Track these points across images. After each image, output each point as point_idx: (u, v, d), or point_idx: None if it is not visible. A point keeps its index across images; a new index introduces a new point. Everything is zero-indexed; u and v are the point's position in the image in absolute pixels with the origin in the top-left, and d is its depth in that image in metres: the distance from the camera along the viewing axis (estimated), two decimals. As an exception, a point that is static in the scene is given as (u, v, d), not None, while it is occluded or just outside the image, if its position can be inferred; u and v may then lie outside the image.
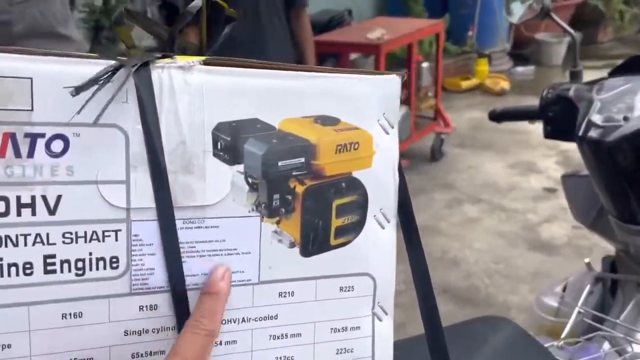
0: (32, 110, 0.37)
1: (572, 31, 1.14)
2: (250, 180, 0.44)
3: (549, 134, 1.12)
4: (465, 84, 4.96)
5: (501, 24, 5.71)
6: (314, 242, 0.47)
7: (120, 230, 0.40)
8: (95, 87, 0.38)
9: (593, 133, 0.94)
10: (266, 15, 2.22)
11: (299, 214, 0.46)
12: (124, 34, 0.48)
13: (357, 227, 0.48)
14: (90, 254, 0.40)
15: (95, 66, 0.39)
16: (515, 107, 1.26)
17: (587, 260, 1.16)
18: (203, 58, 0.43)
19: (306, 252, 0.47)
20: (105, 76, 0.38)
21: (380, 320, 0.51)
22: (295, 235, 0.46)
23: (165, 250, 0.42)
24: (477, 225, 2.86)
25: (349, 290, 0.49)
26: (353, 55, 3.65)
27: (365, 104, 0.48)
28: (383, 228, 0.50)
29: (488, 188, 3.20)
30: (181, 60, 0.42)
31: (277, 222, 0.45)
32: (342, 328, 0.49)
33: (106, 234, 0.40)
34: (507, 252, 2.60)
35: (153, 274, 0.42)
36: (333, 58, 3.58)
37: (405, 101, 3.32)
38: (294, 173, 0.45)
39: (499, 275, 2.44)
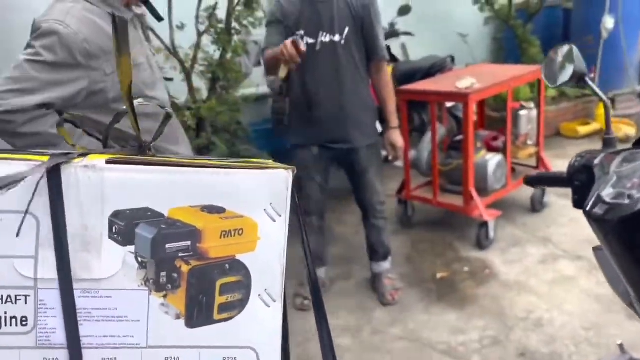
0: None
1: (604, 97, 1.08)
2: (140, 259, 0.53)
3: (576, 204, 1.07)
4: (582, 129, 4.64)
5: (631, 63, 5.29)
6: (198, 315, 0.54)
7: (29, 295, 0.51)
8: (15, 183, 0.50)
9: (598, 209, 0.89)
10: (347, 71, 2.33)
11: (185, 290, 0.53)
12: (65, 134, 0.60)
13: (240, 305, 0.54)
14: (5, 313, 0.51)
15: (18, 166, 0.51)
16: (547, 173, 1.21)
17: (619, 342, 1.06)
18: (107, 157, 0.53)
19: (191, 323, 0.54)
20: (20, 179, 0.50)
21: None
22: (181, 308, 0.54)
23: (65, 314, 0.52)
24: (572, 285, 2.65)
25: None
26: (449, 104, 3.63)
27: (252, 196, 0.54)
28: (268, 306, 0.56)
29: (590, 245, 2.94)
30: (88, 160, 0.52)
31: (164, 296, 0.53)
32: None
33: (18, 298, 0.51)
34: (601, 318, 2.37)
35: (55, 332, 0.52)
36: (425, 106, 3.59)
37: (501, 149, 3.21)
38: (180, 254, 0.53)
39: (587, 344, 2.23)
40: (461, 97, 2.82)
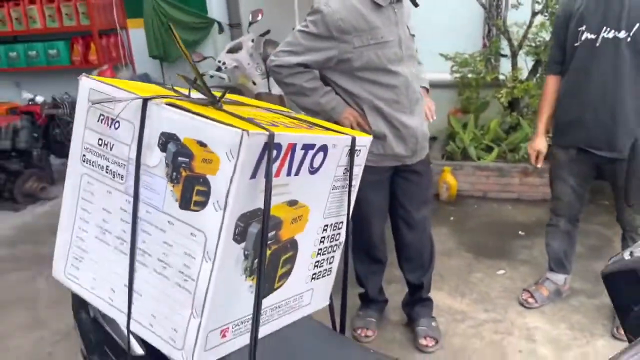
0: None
1: None
2: (166, 160, 0.92)
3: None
4: None
5: None
6: (185, 204, 0.90)
7: (125, 165, 0.97)
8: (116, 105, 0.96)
9: (608, 264, 0.84)
10: (629, 73, 2.10)
11: (181, 187, 0.91)
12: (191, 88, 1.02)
13: (203, 205, 0.89)
14: (114, 171, 0.99)
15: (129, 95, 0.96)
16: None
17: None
18: (169, 101, 0.93)
19: (182, 207, 0.91)
20: (126, 102, 0.95)
21: (207, 262, 0.89)
22: (178, 196, 0.91)
23: (135, 180, 0.96)
24: None
25: (194, 237, 0.90)
26: None
27: (219, 141, 0.86)
28: (216, 211, 0.88)
29: None
30: (160, 101, 0.94)
31: (173, 186, 0.92)
32: (185, 265, 0.91)
33: (120, 164, 0.98)
34: None
35: (131, 187, 0.97)
36: None
37: None
38: (182, 165, 0.90)
39: None
40: None
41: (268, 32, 4.99)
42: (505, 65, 4.22)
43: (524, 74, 3.97)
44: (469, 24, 4.59)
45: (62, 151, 4.91)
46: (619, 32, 2.08)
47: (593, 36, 2.14)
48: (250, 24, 4.69)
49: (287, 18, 4.80)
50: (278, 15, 4.90)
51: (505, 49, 4.18)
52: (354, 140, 1.15)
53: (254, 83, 5.18)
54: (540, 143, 2.43)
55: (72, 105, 4.76)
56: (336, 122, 1.98)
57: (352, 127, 1.99)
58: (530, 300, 2.62)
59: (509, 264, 3.03)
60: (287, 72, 1.96)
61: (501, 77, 4.13)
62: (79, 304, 1.23)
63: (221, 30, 5.63)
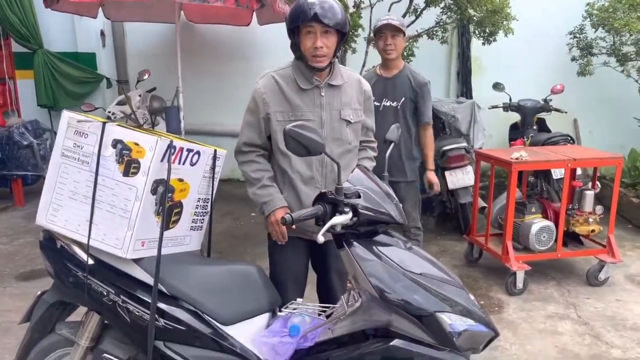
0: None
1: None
2: (115, 152, 1.82)
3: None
4: None
5: None
6: (127, 172, 1.80)
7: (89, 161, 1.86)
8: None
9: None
10: (403, 126, 3.29)
11: (124, 164, 1.81)
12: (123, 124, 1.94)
13: (135, 173, 1.79)
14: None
15: (95, 123, 1.86)
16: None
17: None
18: (117, 124, 1.84)
19: (124, 174, 1.80)
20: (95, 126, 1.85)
21: (137, 201, 1.78)
22: (122, 169, 1.81)
23: (97, 160, 1.84)
24: (553, 337, 3.07)
25: (131, 189, 1.80)
26: (555, 175, 4.15)
27: (146, 143, 1.78)
28: (143, 176, 1.78)
29: (614, 325, 3.24)
30: (113, 124, 1.84)
31: (119, 165, 1.82)
32: (125, 205, 1.80)
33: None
34: (546, 361, 2.82)
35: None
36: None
37: (553, 218, 3.67)
38: (124, 154, 1.81)
39: (515, 370, 2.74)
40: (506, 164, 3.47)
41: (154, 89, 5.80)
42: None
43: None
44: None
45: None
46: (393, 102, 3.31)
47: (377, 103, 3.34)
48: (138, 81, 5.45)
49: (171, 78, 5.61)
50: (163, 76, 5.73)
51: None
52: (215, 151, 2.12)
53: (140, 131, 5.88)
54: None
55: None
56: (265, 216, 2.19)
57: (274, 232, 2.18)
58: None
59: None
60: (241, 159, 2.24)
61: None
62: (47, 243, 1.99)
63: (109, 85, 6.37)
